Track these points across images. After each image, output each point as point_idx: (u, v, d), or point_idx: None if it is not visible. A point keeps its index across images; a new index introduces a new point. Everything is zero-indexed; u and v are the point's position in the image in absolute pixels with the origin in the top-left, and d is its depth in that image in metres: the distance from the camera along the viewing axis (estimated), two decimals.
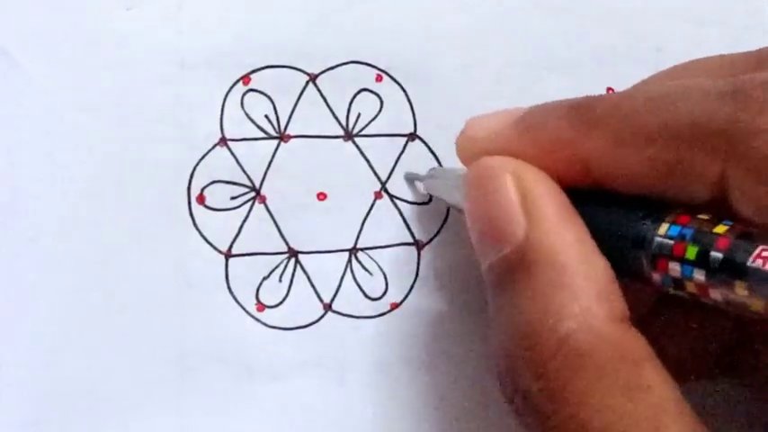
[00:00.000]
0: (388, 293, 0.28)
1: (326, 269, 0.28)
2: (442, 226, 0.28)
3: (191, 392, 0.27)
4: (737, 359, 0.25)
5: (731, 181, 0.19)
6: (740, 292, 0.18)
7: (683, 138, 0.19)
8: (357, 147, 0.28)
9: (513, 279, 0.21)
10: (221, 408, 0.27)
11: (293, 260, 0.28)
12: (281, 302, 0.28)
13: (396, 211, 0.28)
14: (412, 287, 0.28)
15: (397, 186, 0.28)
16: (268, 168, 0.28)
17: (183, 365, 0.27)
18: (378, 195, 0.28)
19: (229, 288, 0.27)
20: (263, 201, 0.28)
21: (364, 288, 0.28)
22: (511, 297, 0.21)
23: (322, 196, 0.28)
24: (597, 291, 0.20)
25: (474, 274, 0.27)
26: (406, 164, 0.28)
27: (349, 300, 0.28)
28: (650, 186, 0.21)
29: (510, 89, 0.29)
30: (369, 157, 0.28)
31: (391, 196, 0.28)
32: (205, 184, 0.27)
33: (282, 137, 0.28)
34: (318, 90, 0.28)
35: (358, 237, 0.28)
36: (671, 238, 0.19)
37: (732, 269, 0.18)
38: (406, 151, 0.29)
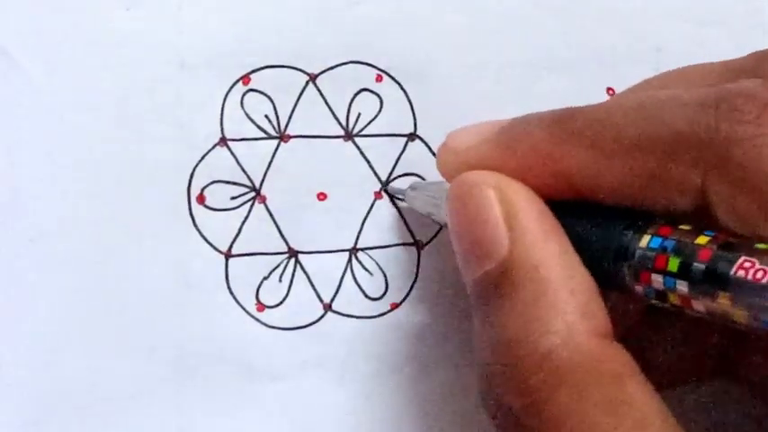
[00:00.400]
0: (388, 293, 0.28)
1: (327, 269, 0.28)
2: (442, 226, 0.28)
3: (190, 392, 0.27)
4: (732, 362, 0.25)
5: (712, 191, 0.19)
6: (723, 302, 0.18)
7: (664, 148, 0.19)
8: (357, 147, 0.28)
9: (496, 294, 0.21)
10: (221, 408, 0.27)
11: (293, 260, 0.28)
12: (281, 302, 0.28)
13: (396, 211, 0.28)
14: (412, 287, 0.28)
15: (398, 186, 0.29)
16: (268, 168, 0.28)
17: (182, 365, 0.27)
18: (378, 195, 0.28)
19: (229, 288, 0.27)
20: (263, 201, 0.28)
21: (364, 288, 0.28)
22: (494, 312, 0.21)
23: (322, 196, 0.28)
24: (580, 305, 0.20)
25: None
26: (406, 164, 0.28)
27: (349, 300, 0.28)
28: (632, 197, 0.20)
29: (510, 89, 0.29)
30: (369, 157, 0.28)
31: (391, 196, 0.28)
32: (205, 184, 0.27)
33: (282, 137, 0.28)
34: (318, 90, 0.28)
35: (358, 237, 0.28)
36: (652, 250, 0.19)
37: (714, 280, 0.18)
38: (406, 151, 0.29)
